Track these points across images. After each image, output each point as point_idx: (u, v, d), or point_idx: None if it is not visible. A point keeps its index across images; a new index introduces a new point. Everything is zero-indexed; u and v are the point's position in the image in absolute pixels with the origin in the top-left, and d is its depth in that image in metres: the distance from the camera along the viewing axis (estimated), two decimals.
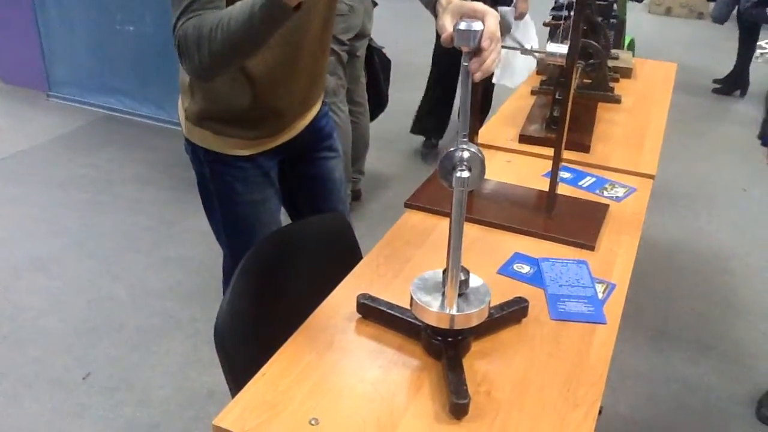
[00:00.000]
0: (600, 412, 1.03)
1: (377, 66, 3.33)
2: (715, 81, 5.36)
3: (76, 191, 3.50)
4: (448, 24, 1.04)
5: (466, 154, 0.99)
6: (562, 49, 1.25)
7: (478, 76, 1.01)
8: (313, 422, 0.94)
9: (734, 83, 5.24)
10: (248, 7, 1.06)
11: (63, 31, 4.42)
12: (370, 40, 3.22)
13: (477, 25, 0.99)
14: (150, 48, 4.09)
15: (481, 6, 1.05)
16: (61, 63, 4.56)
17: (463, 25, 1.00)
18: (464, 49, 1.01)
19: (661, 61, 2.72)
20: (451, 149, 1.00)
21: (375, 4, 3.12)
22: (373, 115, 3.41)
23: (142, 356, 2.40)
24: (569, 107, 1.42)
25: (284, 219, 1.72)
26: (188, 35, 1.13)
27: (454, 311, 1.04)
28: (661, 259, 3.08)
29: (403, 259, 1.34)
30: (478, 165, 0.99)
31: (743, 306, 2.79)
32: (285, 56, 1.42)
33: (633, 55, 2.67)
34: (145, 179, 3.63)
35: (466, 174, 0.98)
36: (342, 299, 1.22)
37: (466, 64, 1.01)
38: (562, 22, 2.10)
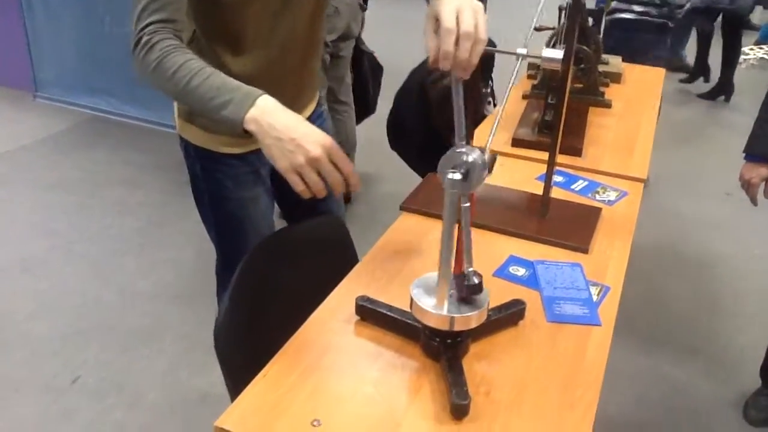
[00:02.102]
0: None
1: (366, 70, 3.33)
2: None
3: (63, 193, 3.48)
4: (430, 37, 1.03)
5: (465, 158, 1.00)
6: (558, 54, 1.27)
7: (461, 73, 1.01)
8: (315, 423, 0.94)
9: (719, 89, 5.30)
10: (210, 89, 1.14)
11: (50, 31, 4.39)
12: (361, 43, 3.23)
13: None
14: None
15: (443, 11, 1.01)
16: (49, 64, 4.53)
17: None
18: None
19: (649, 66, 2.75)
20: (449, 153, 1.00)
21: (364, 9, 3.12)
22: (359, 119, 3.40)
23: (132, 359, 2.38)
24: (564, 111, 1.44)
25: (280, 222, 1.72)
26: (152, 51, 1.15)
27: (453, 313, 1.04)
28: (649, 262, 3.11)
29: (399, 262, 1.35)
30: (477, 168, 1.00)
31: (729, 309, 2.82)
32: (272, 57, 1.42)
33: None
34: (134, 181, 3.61)
35: (457, 176, 0.98)
36: (339, 302, 1.22)
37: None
38: (555, 27, 2.12)
